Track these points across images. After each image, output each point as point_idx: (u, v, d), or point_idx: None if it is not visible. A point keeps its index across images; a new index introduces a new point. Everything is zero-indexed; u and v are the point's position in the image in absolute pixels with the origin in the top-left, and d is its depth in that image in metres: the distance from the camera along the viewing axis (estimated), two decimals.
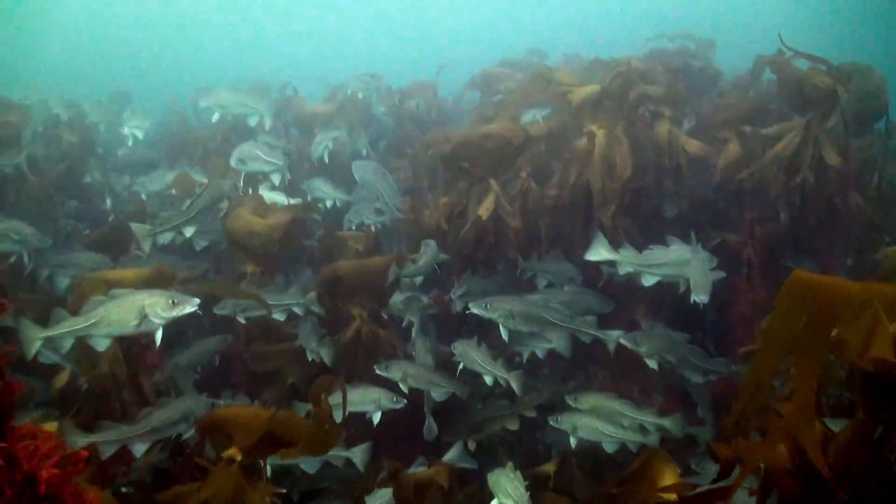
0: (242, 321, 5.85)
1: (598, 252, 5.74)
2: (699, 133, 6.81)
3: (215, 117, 8.94)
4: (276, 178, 7.58)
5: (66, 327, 4.43)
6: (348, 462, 5.17)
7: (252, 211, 6.23)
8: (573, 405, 5.39)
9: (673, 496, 3.11)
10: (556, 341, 5.66)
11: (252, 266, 6.09)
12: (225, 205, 6.52)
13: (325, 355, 5.64)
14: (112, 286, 4.74)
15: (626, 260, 5.69)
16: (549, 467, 5.36)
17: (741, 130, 6.63)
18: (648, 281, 5.69)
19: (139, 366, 5.09)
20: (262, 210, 6.31)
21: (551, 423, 5.36)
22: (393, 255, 5.90)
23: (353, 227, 7.40)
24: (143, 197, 8.61)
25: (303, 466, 4.91)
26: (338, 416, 5.10)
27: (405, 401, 5.37)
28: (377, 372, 5.45)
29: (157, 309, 4.35)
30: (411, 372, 5.47)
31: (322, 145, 8.70)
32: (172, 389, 5.42)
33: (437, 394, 5.57)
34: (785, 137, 6.16)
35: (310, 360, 5.71)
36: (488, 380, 5.63)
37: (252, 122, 8.88)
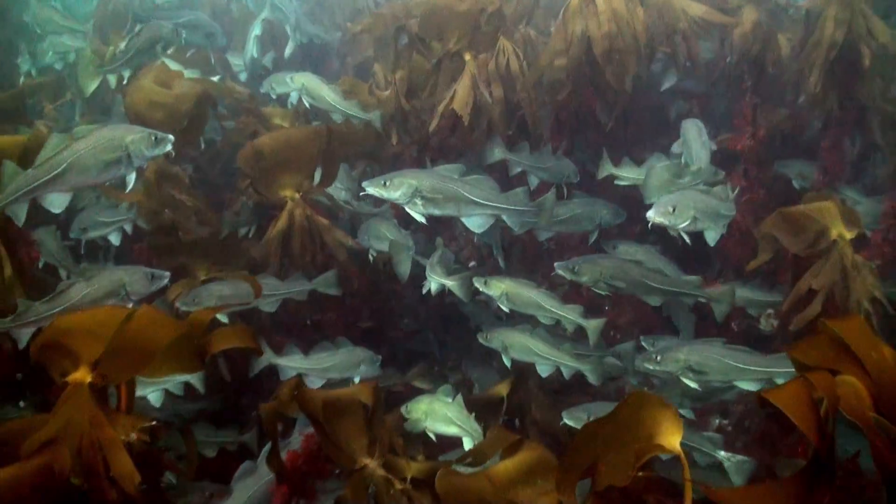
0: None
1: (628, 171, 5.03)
2: None
3: None
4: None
5: (24, 185, 3.62)
6: None
7: (155, 80, 5.15)
8: (482, 289, 4.61)
9: (676, 448, 2.29)
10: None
11: None
12: (163, 49, 5.92)
13: None
14: None
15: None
16: (502, 389, 4.56)
17: None
18: None
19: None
20: (166, 80, 5.20)
21: (480, 340, 4.63)
22: (321, 125, 4.85)
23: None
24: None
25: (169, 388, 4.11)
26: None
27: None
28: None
29: (142, 146, 3.78)
30: (268, 282, 4.51)
31: (252, 36, 7.02)
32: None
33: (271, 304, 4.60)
34: (826, 12, 5.06)
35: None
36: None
37: None
